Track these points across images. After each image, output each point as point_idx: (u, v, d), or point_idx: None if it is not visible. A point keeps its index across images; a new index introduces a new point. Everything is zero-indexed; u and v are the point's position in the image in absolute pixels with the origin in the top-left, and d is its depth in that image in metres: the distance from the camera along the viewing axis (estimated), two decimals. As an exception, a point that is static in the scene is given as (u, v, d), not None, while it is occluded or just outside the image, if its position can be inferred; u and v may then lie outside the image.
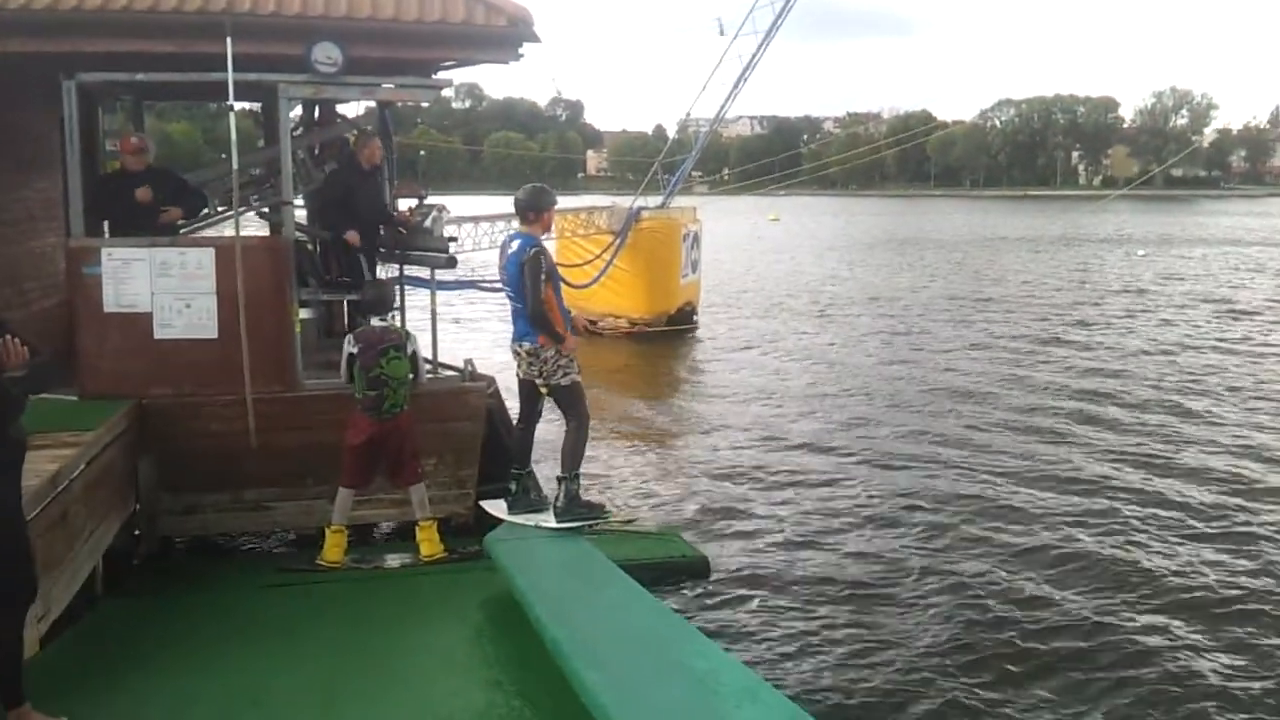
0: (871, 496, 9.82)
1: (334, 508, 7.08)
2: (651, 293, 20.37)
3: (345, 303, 8.54)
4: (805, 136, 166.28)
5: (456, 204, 16.71)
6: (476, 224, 16.80)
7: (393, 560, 7.33)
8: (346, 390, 7.10)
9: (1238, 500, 9.65)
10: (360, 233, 7.96)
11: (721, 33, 21.86)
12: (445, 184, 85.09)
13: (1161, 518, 9.15)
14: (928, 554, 8.29)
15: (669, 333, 20.51)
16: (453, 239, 8.59)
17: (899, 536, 8.69)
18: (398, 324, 7.28)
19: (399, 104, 9.59)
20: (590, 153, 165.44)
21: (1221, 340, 19.61)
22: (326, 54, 7.22)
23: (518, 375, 6.72)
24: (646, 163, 23.08)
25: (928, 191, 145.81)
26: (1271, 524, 8.97)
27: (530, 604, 5.39)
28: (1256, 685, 6.12)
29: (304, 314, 8.26)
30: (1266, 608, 7.24)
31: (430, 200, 8.73)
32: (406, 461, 7.11)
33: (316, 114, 9.69)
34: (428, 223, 7.98)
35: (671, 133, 25.73)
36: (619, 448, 11.75)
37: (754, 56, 21.71)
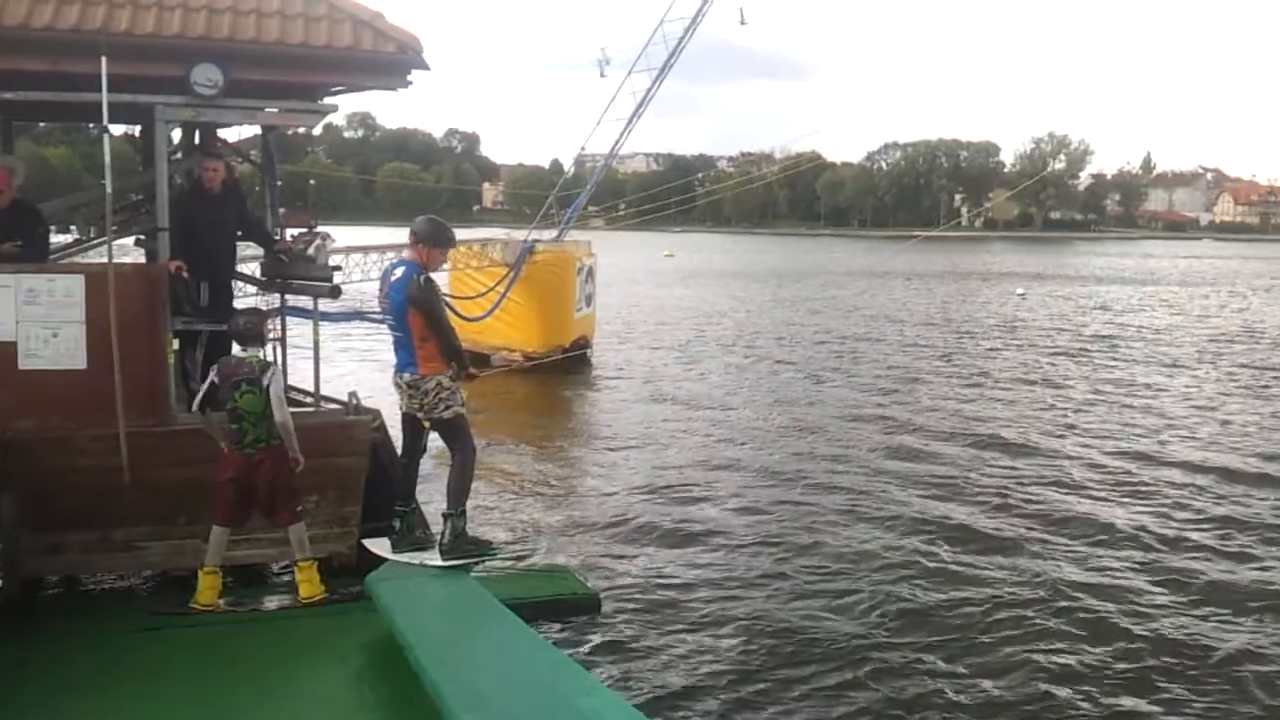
0: (760, 528, 9.91)
1: (208, 547, 6.78)
2: (546, 326, 20.28)
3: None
4: (701, 175, 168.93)
5: (348, 235, 16.52)
6: (366, 254, 16.47)
7: (270, 602, 7.03)
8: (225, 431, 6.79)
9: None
10: (206, 261, 7.60)
11: (603, 74, 22.05)
12: (336, 214, 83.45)
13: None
14: (816, 588, 8.36)
15: (563, 366, 20.43)
16: (338, 268, 8.37)
17: (788, 567, 8.77)
18: (259, 355, 6.90)
19: (286, 130, 9.33)
20: (487, 185, 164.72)
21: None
22: (207, 76, 6.98)
23: (400, 409, 6.53)
24: (543, 196, 23.07)
25: (817, 230, 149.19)
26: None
27: (411, 645, 5.21)
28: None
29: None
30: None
31: (319, 229, 8.50)
32: (282, 499, 6.80)
33: (197, 138, 9.38)
34: (310, 250, 7.74)
35: (568, 167, 25.71)
36: (509, 483, 11.59)
37: (648, 92, 21.98)
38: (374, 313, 13.64)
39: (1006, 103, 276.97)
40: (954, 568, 8.86)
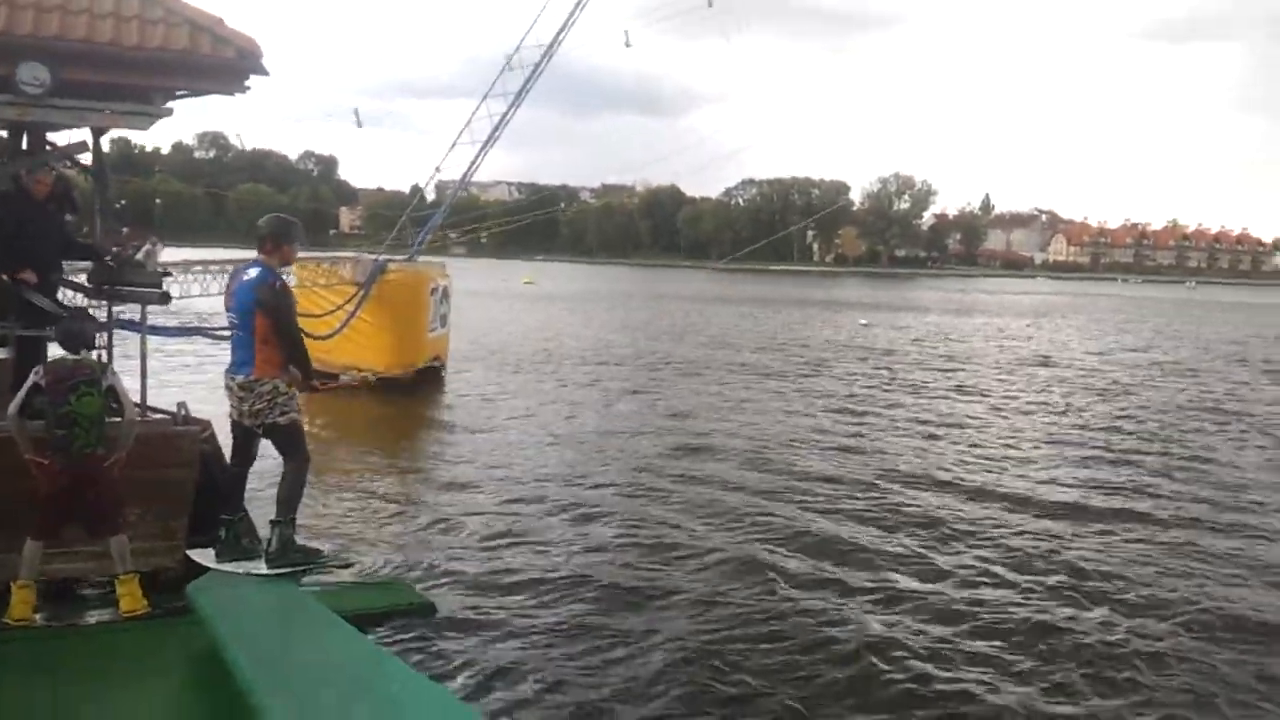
0: (598, 541, 10.01)
1: (21, 561, 6.48)
2: (399, 345, 20.01)
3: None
4: (563, 204, 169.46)
5: (196, 255, 16.09)
6: (206, 269, 15.99)
7: (90, 617, 6.79)
8: (40, 433, 6.49)
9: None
10: (35, 269, 7.33)
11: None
12: (184, 234, 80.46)
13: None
14: (650, 593, 8.55)
15: (416, 385, 20.23)
16: (168, 274, 8.16)
17: (622, 577, 8.91)
18: (93, 358, 6.68)
19: (119, 132, 9.08)
20: (344, 209, 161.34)
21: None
22: (33, 74, 6.78)
23: (230, 416, 6.41)
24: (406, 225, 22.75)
25: (677, 263, 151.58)
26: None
27: (228, 646, 5.11)
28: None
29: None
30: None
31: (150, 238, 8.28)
32: (107, 511, 6.53)
33: (25, 141, 9.02)
34: (139, 256, 7.55)
35: (428, 192, 25.49)
36: (348, 497, 11.42)
37: (504, 116, 22.07)
38: (214, 329, 13.27)
39: (855, 144, 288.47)
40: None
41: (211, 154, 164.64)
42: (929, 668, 7.11)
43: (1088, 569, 9.48)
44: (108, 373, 6.55)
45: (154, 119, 7.74)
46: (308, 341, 8.06)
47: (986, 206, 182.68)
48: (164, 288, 7.67)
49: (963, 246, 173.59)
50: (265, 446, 6.69)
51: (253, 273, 6.22)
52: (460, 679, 6.57)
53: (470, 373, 22.75)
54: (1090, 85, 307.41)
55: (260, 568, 6.24)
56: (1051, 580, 9.14)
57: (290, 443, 6.33)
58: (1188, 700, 6.75)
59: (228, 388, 6.32)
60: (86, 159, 8.63)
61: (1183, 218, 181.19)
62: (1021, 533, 10.74)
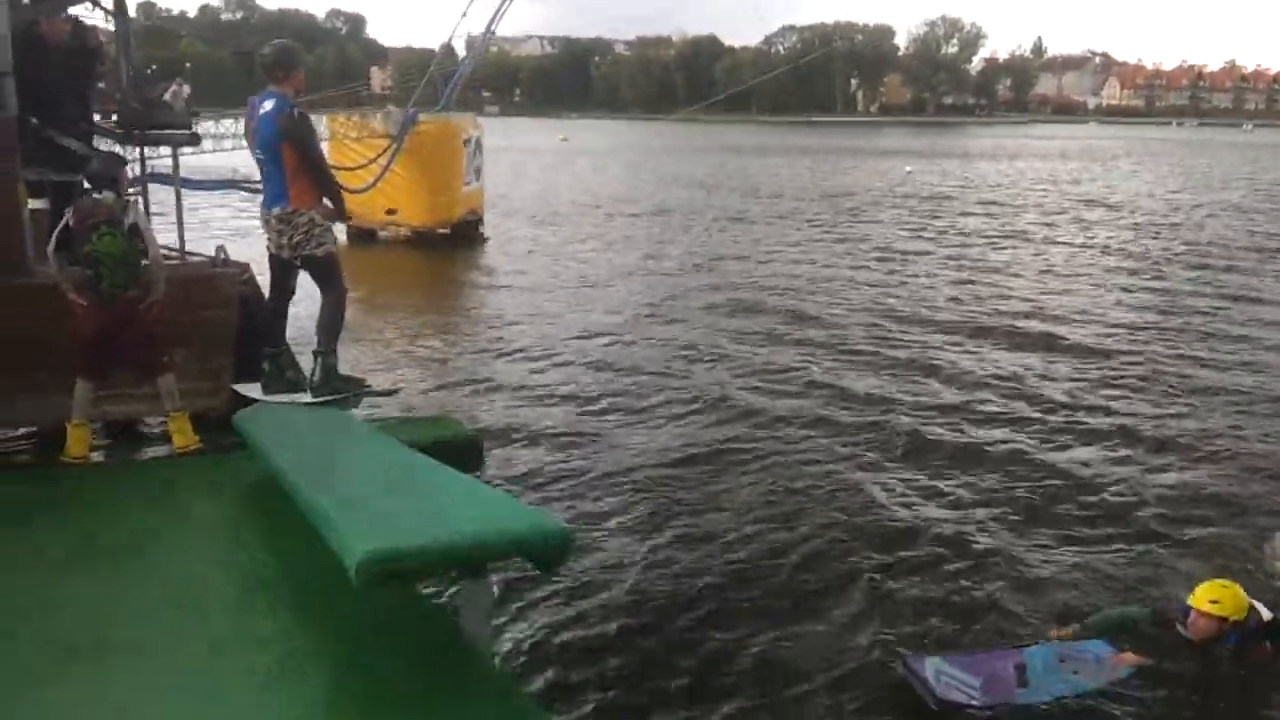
0: (649, 397, 9.80)
1: (73, 402, 6.62)
2: (433, 199, 19.86)
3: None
4: (596, 59, 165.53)
5: (229, 127, 15.86)
6: (237, 120, 15.77)
7: (145, 454, 6.97)
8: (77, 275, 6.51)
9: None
10: (56, 115, 7.27)
11: None
12: (213, 98, 79.55)
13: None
14: (686, 438, 8.60)
15: (453, 240, 20.19)
16: (195, 114, 8.05)
17: (669, 434, 8.87)
18: (112, 197, 6.51)
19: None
20: (375, 69, 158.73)
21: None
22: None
23: (268, 249, 6.40)
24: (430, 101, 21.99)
25: (715, 117, 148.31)
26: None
27: (281, 468, 5.18)
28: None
29: (35, 204, 7.61)
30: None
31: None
32: (149, 353, 6.57)
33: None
34: (166, 96, 7.45)
35: (459, 47, 24.50)
36: (390, 346, 11.56)
37: None
38: (249, 183, 13.16)
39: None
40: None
41: (239, 15, 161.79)
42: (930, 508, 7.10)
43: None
44: (129, 211, 6.48)
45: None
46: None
47: (1038, 50, 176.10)
48: (193, 128, 7.57)
49: (1012, 93, 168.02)
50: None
51: (269, 105, 6.08)
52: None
53: (507, 227, 22.65)
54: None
55: (305, 398, 6.34)
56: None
57: (328, 274, 6.33)
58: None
59: (264, 221, 6.29)
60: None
61: (1241, 58, 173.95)
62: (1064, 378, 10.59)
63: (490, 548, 3.99)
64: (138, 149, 8.29)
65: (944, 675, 4.64)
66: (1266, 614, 4.90)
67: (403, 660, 3.92)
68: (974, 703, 4.55)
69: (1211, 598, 4.83)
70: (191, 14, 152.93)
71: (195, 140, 7.64)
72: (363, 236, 20.31)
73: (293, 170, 6.07)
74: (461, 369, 10.64)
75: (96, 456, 6.85)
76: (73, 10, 8.33)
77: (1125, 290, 15.66)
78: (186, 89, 7.65)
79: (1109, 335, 12.44)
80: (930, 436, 8.57)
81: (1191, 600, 4.88)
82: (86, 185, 6.79)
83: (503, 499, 4.83)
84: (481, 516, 4.15)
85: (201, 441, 6.83)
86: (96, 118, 8.06)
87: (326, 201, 6.26)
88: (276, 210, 6.15)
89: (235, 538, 5.36)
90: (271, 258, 6.43)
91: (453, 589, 4.91)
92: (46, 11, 7.63)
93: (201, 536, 5.40)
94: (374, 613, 4.26)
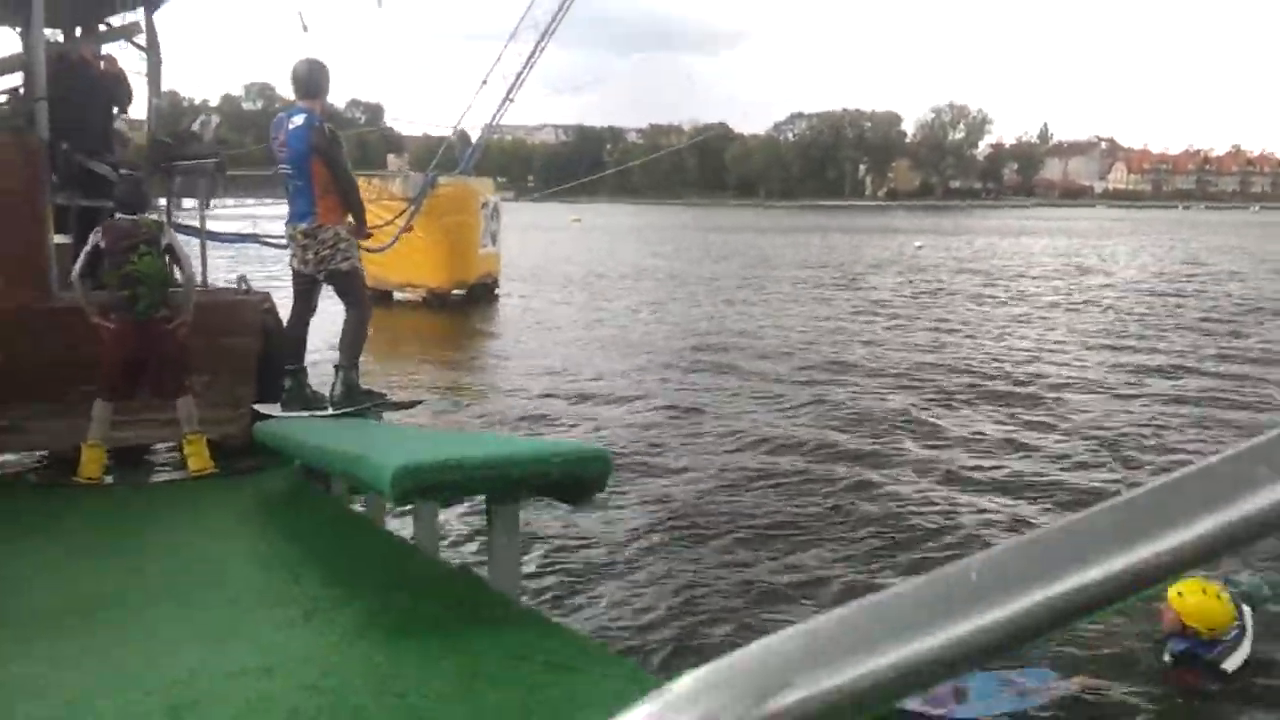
0: (665, 442, 9.79)
1: (91, 422, 6.58)
2: (450, 261, 20.06)
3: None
4: (609, 146, 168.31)
5: (263, 212, 16.12)
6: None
7: (158, 477, 6.93)
8: (103, 298, 6.51)
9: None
10: (83, 139, 7.41)
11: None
12: (237, 188, 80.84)
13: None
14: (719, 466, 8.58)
15: (469, 303, 20.32)
16: (224, 142, 8.20)
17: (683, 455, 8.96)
18: (151, 218, 6.67)
19: (167, 86, 9.08)
20: (391, 156, 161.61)
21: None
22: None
23: (291, 267, 6.42)
24: (451, 168, 22.12)
25: (725, 201, 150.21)
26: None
27: (300, 439, 5.14)
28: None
29: (59, 239, 7.70)
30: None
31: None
32: (174, 374, 6.57)
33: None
34: (195, 127, 7.60)
35: (474, 137, 24.42)
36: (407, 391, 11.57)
37: (533, 52, 20.86)
38: (271, 238, 13.32)
39: (907, 73, 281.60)
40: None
41: (259, 104, 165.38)
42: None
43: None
44: (165, 231, 6.58)
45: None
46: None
47: (1044, 136, 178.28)
48: (220, 157, 7.69)
49: (1019, 176, 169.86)
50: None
51: (299, 119, 6.13)
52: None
53: (522, 291, 22.83)
54: (1150, 7, 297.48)
55: (326, 412, 6.30)
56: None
57: (352, 288, 6.35)
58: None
59: (290, 237, 6.33)
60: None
61: (1246, 143, 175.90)
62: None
63: (524, 464, 3.87)
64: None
65: None
66: (1237, 657, 4.74)
67: (431, 606, 3.82)
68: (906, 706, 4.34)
69: (1180, 590, 4.69)
70: (214, 101, 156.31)
71: (223, 170, 7.74)
72: (379, 298, 20.42)
73: (322, 186, 6.12)
74: (475, 409, 10.64)
75: (107, 479, 6.80)
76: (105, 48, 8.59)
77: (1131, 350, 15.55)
78: (216, 119, 7.80)
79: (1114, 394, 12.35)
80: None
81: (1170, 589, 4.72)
82: (114, 210, 6.89)
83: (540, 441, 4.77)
84: (516, 445, 4.14)
85: (217, 467, 6.79)
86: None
87: (351, 219, 6.33)
88: (303, 226, 6.17)
89: (260, 534, 5.38)
90: (295, 275, 6.43)
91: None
92: (88, 42, 7.84)
93: (224, 538, 5.35)
94: (402, 573, 4.24)
